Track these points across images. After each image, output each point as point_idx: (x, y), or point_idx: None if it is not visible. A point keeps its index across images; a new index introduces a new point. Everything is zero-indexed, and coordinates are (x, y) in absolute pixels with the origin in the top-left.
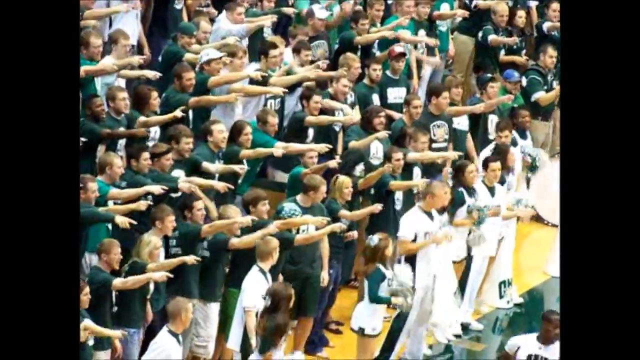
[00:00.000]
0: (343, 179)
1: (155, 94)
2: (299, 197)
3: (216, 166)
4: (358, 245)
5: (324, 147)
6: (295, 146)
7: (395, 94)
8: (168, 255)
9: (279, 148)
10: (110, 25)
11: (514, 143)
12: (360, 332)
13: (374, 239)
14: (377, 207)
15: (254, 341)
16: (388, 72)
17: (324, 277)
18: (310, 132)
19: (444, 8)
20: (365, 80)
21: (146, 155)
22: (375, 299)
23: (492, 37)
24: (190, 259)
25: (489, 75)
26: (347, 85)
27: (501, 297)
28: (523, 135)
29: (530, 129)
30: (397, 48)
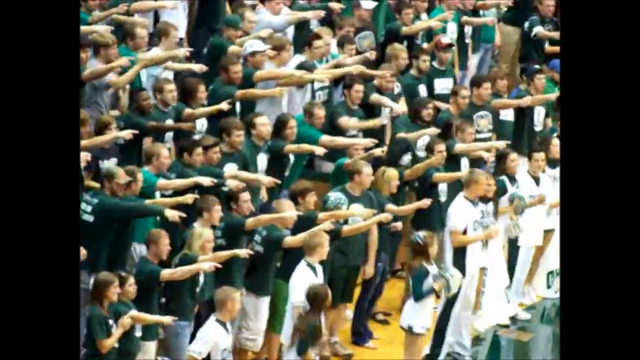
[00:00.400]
0: (390, 172)
1: (202, 87)
2: (347, 186)
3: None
4: (403, 236)
5: (369, 141)
6: (340, 140)
7: (443, 85)
8: (213, 247)
9: (325, 142)
10: (156, 18)
11: (504, 189)
12: (409, 330)
13: (420, 235)
14: (426, 203)
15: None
16: (435, 63)
17: (368, 270)
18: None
19: None
20: (412, 71)
21: (199, 150)
22: (419, 297)
23: (538, 30)
24: (243, 252)
25: (536, 66)
26: (391, 79)
27: (549, 287)
28: (512, 181)
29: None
30: (444, 39)
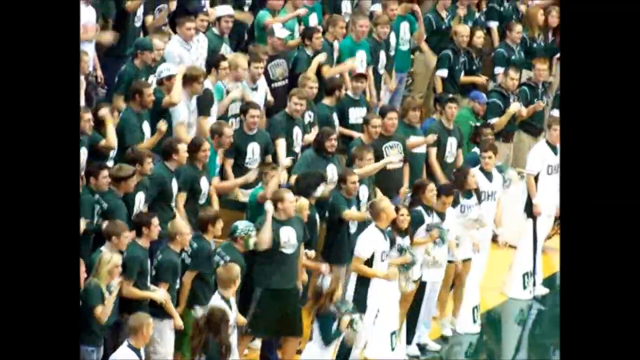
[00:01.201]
0: (301, 202)
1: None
2: (275, 213)
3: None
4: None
5: (251, 177)
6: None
7: (357, 114)
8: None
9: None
10: None
11: (420, 220)
12: None
13: (325, 283)
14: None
15: None
16: (349, 92)
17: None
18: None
19: (404, 27)
20: (326, 100)
21: (105, 173)
22: (329, 339)
23: (439, 73)
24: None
25: (449, 95)
26: (298, 102)
27: (474, 321)
28: (428, 212)
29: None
30: (358, 69)
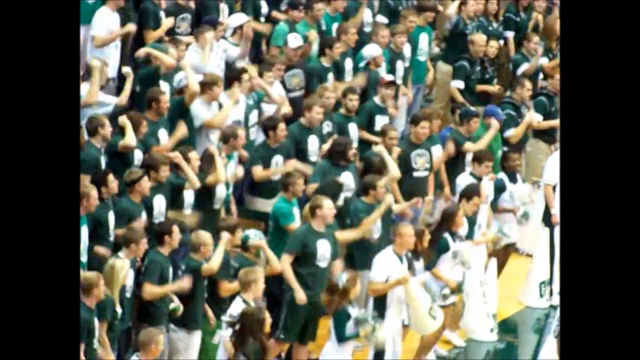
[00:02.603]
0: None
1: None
2: (312, 222)
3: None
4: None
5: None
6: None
7: (384, 122)
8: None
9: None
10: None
11: (503, 187)
12: None
13: (342, 278)
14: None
15: None
16: (376, 100)
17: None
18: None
19: (423, 38)
20: (342, 110)
21: (112, 177)
22: (342, 338)
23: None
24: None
25: (473, 109)
26: (319, 112)
27: (491, 330)
28: (513, 179)
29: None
30: (387, 76)
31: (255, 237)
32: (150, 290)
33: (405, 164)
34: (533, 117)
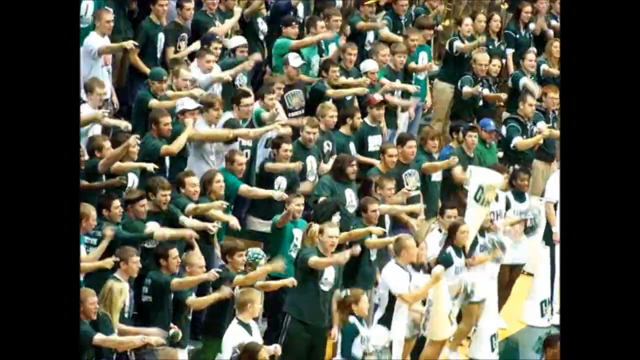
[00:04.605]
0: (314, 228)
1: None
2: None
3: (191, 222)
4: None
5: (281, 194)
6: (258, 191)
7: (375, 142)
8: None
9: (243, 191)
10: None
11: (507, 205)
12: None
13: (347, 290)
14: (346, 255)
15: None
16: (367, 120)
17: (334, 333)
18: (282, 181)
19: (422, 56)
20: (343, 129)
21: (117, 203)
22: (348, 356)
23: (465, 90)
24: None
25: (470, 124)
26: (311, 132)
27: (492, 349)
28: (521, 198)
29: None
30: (377, 96)
31: (253, 255)
32: (194, 301)
33: (397, 185)
34: (541, 127)
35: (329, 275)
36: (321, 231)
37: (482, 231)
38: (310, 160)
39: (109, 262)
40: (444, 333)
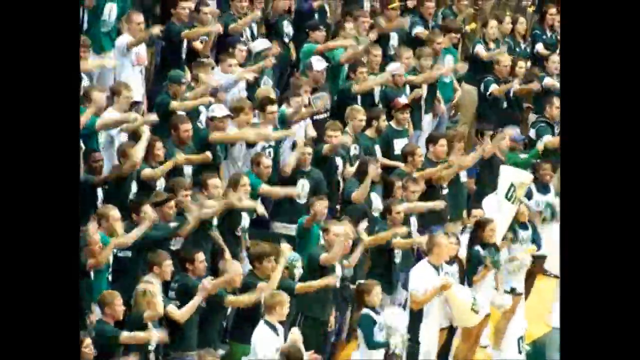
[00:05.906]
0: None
1: (159, 144)
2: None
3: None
4: None
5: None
6: (279, 190)
7: (401, 145)
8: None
9: (264, 191)
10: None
11: (529, 196)
12: None
13: (361, 282)
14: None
15: None
16: (392, 124)
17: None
18: (305, 183)
19: (448, 60)
20: (369, 132)
21: (146, 207)
22: (372, 345)
23: (492, 88)
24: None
25: (492, 126)
26: (332, 135)
27: (519, 352)
28: (546, 190)
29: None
30: (401, 99)
31: (290, 258)
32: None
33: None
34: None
35: (338, 270)
36: (325, 230)
37: (485, 244)
38: (337, 163)
39: None
40: (471, 322)
